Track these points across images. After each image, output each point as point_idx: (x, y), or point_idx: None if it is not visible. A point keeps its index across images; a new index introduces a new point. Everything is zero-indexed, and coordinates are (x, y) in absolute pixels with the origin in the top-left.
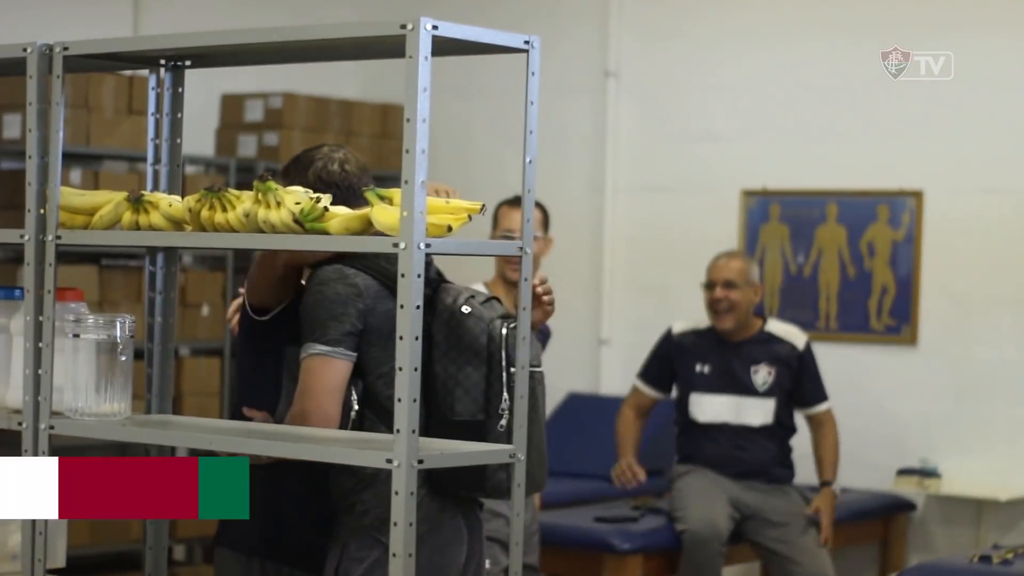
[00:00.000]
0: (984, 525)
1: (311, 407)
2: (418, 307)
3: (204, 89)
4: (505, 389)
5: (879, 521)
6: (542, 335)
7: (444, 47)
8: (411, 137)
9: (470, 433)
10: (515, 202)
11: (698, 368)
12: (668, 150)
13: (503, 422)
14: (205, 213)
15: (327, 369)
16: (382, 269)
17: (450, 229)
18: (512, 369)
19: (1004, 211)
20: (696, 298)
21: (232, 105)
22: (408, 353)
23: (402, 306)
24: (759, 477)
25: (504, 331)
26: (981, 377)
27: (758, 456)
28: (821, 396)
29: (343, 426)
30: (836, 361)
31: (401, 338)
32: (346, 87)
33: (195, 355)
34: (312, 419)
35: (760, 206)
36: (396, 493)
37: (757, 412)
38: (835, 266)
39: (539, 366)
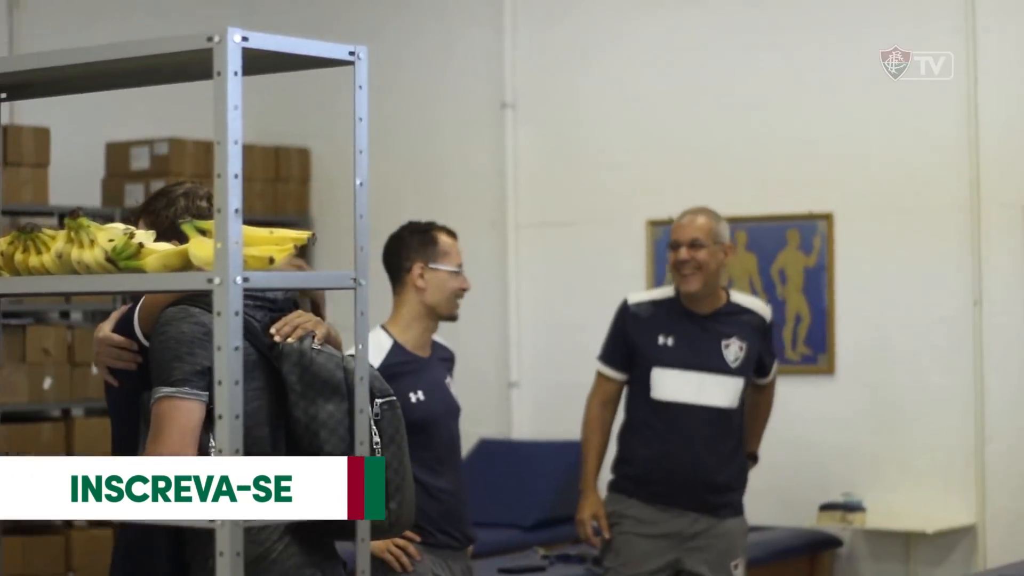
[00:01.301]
0: (913, 559)
1: (163, 453)
2: (236, 348)
3: (88, 138)
4: (372, 423)
5: (805, 559)
6: (446, 361)
7: (261, 62)
8: (222, 161)
9: None
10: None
11: (660, 340)
12: (570, 182)
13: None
14: (19, 256)
15: (175, 411)
16: None
17: (272, 261)
18: (378, 401)
19: (918, 230)
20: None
21: (117, 153)
22: (227, 399)
23: (219, 348)
24: (706, 503)
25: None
26: (902, 405)
27: (714, 461)
28: (774, 361)
29: None
30: None
31: (220, 383)
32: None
33: (88, 415)
34: None
35: (667, 237)
36: (221, 554)
37: (724, 392)
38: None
39: (390, 394)
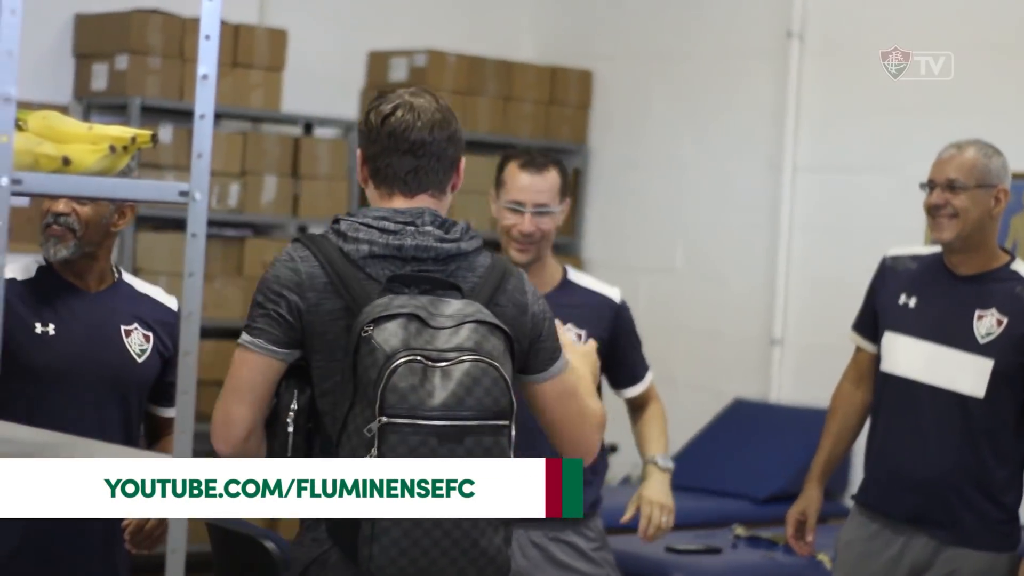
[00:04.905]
0: None
1: (216, 407)
2: None
3: (347, 46)
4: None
5: None
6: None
7: None
8: None
9: None
10: (530, 163)
11: (902, 299)
12: (858, 123)
13: None
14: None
15: (240, 363)
16: (336, 256)
17: (67, 162)
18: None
19: None
20: None
21: (378, 63)
22: None
23: None
24: (942, 519)
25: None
26: None
27: (949, 459)
28: None
29: (280, 445)
30: None
31: None
32: (511, 47)
33: None
34: (215, 422)
35: None
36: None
37: (966, 374)
38: None
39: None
